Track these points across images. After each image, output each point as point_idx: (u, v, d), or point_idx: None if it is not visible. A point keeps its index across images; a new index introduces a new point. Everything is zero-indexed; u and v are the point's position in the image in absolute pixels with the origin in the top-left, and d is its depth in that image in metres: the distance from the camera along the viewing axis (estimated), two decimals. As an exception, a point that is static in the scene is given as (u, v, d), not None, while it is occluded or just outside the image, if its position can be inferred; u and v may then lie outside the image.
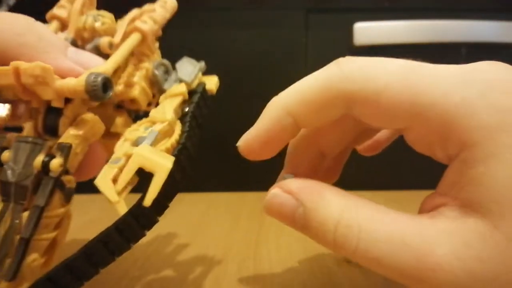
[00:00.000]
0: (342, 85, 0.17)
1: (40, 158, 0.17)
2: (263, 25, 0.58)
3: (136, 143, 0.18)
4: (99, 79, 0.17)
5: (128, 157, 0.17)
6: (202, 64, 0.24)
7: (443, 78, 0.16)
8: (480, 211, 0.15)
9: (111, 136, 0.21)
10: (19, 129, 0.19)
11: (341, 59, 0.18)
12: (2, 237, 0.16)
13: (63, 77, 0.18)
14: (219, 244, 0.31)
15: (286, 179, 0.18)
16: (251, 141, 0.19)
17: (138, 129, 0.20)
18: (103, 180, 0.17)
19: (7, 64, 0.17)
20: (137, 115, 0.23)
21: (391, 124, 0.17)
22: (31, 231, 0.16)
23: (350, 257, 0.16)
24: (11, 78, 0.17)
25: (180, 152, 0.19)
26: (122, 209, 0.16)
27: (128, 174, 0.17)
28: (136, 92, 0.22)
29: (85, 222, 0.36)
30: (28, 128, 0.18)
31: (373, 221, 0.16)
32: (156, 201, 0.16)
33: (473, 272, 0.14)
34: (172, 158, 0.17)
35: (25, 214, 0.16)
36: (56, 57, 0.18)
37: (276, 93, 0.19)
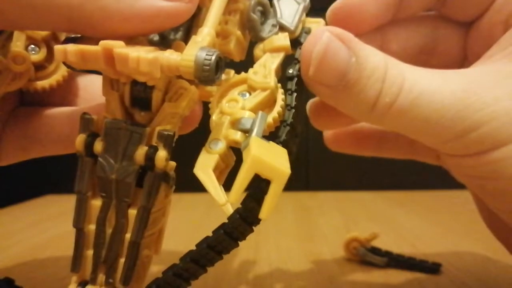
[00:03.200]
0: None
1: (142, 152, 0.15)
2: (263, 25, 0.58)
3: (237, 125, 0.15)
4: (213, 59, 0.13)
5: (229, 141, 0.15)
6: (307, 2, 0.19)
7: None
8: None
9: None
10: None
11: None
12: (110, 238, 0.15)
13: (154, 20, 0.14)
14: (219, 244, 0.31)
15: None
16: None
17: (235, 98, 0.16)
18: (204, 172, 0.15)
19: (80, 23, 0.14)
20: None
21: None
22: (142, 234, 0.15)
23: (385, 114, 0.16)
24: (101, 62, 0.13)
25: (290, 137, 0.15)
26: (228, 211, 0.15)
27: (243, 183, 0.14)
28: (231, 45, 0.17)
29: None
30: (112, 102, 0.15)
31: (415, 71, 0.16)
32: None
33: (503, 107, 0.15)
34: (288, 164, 0.14)
35: (131, 212, 0.15)
36: None
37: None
